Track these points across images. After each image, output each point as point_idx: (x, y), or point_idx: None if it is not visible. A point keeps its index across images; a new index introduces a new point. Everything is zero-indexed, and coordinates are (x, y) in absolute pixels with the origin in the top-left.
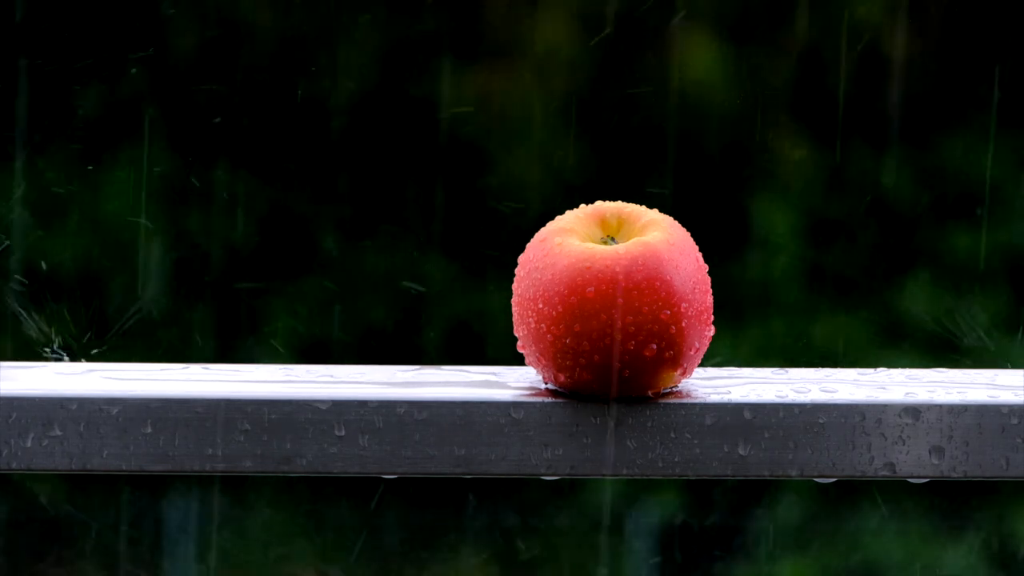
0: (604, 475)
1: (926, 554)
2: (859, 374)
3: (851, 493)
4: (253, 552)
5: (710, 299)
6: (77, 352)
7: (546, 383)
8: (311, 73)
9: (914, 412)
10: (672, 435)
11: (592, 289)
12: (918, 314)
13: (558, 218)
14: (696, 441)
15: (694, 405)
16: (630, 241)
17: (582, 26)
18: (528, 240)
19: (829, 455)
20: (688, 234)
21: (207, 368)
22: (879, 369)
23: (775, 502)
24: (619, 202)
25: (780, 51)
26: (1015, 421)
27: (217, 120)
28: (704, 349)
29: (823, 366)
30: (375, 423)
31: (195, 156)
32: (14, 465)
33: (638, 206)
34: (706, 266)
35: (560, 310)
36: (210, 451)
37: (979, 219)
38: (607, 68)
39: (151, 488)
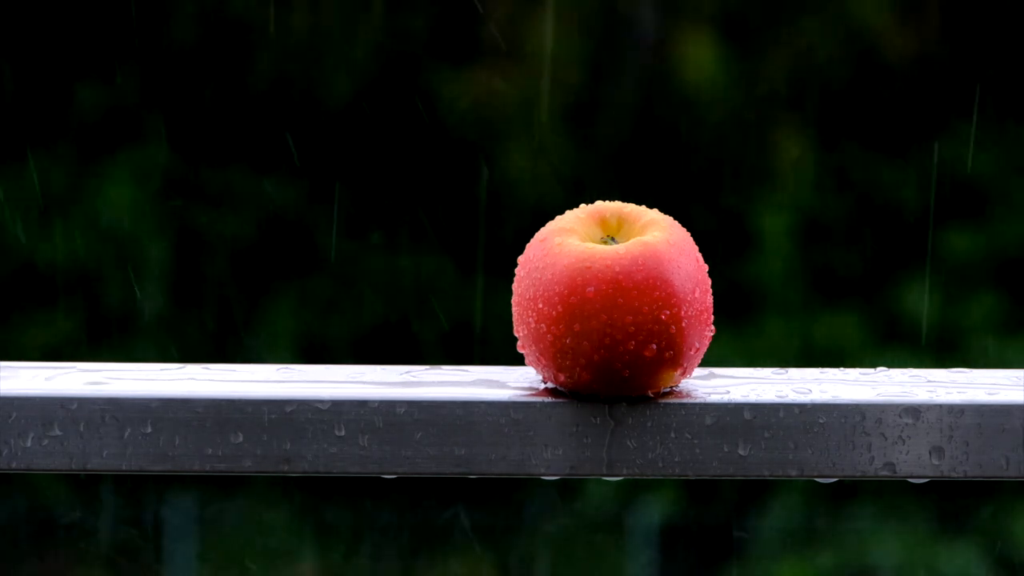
0: (604, 475)
1: (926, 554)
2: (859, 374)
3: (851, 493)
4: (253, 552)
5: (710, 299)
6: (76, 352)
7: (546, 383)
8: (310, 72)
9: (914, 412)
10: (672, 435)
11: (592, 289)
12: (918, 314)
13: (558, 218)
14: (696, 441)
15: (694, 405)
16: (630, 241)
17: (581, 26)
18: (528, 240)
19: (829, 455)
20: (688, 234)
21: (207, 368)
22: (879, 369)
23: (774, 502)
24: (619, 202)
25: (779, 51)
26: (1015, 421)
27: (216, 120)
28: (704, 349)
29: (823, 366)
30: (375, 423)
31: (194, 156)
32: (14, 465)
33: (638, 206)
34: (706, 266)
35: (560, 310)
36: (210, 451)
37: (978, 219)
38: (607, 68)
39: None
